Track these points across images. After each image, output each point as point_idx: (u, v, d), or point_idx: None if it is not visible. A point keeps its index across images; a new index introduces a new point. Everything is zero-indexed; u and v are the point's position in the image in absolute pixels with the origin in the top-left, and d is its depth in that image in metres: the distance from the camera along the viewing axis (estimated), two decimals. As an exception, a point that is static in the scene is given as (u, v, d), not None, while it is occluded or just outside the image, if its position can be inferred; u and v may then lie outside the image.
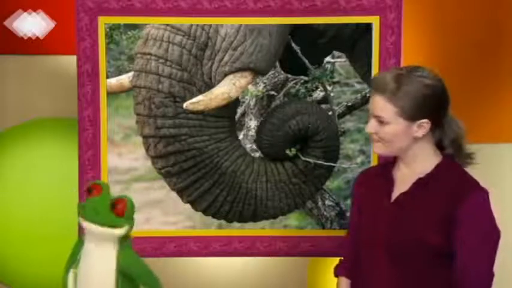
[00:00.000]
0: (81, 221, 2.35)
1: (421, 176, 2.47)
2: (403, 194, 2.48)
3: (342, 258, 2.72)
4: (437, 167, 2.48)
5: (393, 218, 2.46)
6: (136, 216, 3.01)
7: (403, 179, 2.50)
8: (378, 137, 2.47)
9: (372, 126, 2.48)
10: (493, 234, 2.43)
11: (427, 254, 2.42)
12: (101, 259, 2.36)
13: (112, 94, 3.04)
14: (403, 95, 2.41)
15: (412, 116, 2.42)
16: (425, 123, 2.43)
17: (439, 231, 2.40)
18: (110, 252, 2.37)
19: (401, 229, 2.44)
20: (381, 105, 2.43)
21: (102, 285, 2.36)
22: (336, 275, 2.72)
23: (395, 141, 2.45)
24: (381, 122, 2.45)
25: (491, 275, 2.43)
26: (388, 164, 2.59)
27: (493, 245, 2.43)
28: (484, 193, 2.43)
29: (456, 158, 2.51)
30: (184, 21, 3.00)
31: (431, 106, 2.43)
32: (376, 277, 2.48)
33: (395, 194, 2.50)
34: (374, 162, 3.02)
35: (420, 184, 2.47)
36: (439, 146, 2.52)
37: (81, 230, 2.50)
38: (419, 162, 2.48)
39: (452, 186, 2.44)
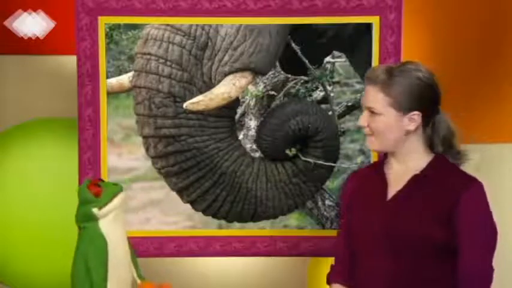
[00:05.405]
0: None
1: (416, 172, 2.47)
2: (400, 192, 2.47)
3: (335, 264, 2.64)
4: (431, 163, 2.48)
5: (392, 215, 2.45)
6: (136, 216, 3.04)
7: (397, 177, 2.50)
8: (370, 130, 2.47)
9: (364, 118, 2.48)
10: (493, 227, 2.43)
11: (428, 248, 2.41)
12: (123, 235, 2.36)
13: (112, 94, 3.04)
14: (394, 86, 2.42)
15: (403, 107, 2.42)
16: (416, 116, 2.44)
17: (440, 225, 2.40)
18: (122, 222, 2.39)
19: (402, 225, 2.43)
20: (372, 96, 2.44)
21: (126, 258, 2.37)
22: (330, 282, 2.63)
23: (387, 133, 2.45)
24: (373, 113, 2.45)
25: (493, 269, 2.43)
26: (379, 162, 2.59)
27: (494, 238, 2.43)
28: (481, 185, 2.44)
29: (448, 157, 2.50)
30: (184, 21, 3.00)
31: (423, 98, 2.43)
32: (375, 273, 2.46)
33: (390, 192, 2.49)
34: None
35: (416, 180, 2.46)
36: (430, 146, 2.51)
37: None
38: (411, 159, 2.48)
39: (450, 181, 2.44)
